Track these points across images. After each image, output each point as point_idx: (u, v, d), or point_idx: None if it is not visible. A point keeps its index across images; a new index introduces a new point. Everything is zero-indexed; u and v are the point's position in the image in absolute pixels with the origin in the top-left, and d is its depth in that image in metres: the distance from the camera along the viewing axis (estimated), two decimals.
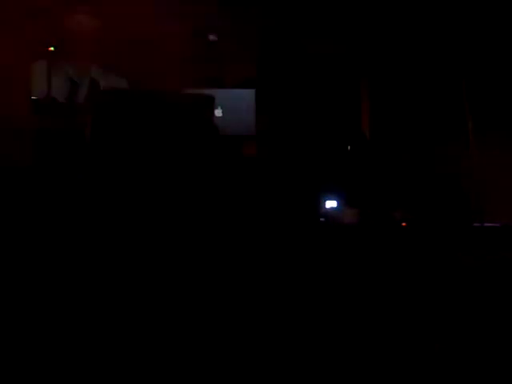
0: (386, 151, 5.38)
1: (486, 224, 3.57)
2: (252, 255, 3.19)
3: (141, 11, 4.84)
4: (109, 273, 3.08)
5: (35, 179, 3.33)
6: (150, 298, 3.07)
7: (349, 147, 4.19)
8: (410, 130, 5.40)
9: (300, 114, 4.14)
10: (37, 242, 3.13)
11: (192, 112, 3.39)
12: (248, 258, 3.19)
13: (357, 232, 3.38)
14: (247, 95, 4.17)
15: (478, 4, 5.16)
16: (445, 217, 3.96)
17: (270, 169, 3.47)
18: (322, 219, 3.51)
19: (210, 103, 3.47)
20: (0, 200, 3.26)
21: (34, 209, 3.23)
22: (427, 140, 5.35)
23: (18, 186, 3.31)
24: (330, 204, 3.57)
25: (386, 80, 5.50)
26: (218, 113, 4.06)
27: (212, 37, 5.22)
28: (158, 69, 4.94)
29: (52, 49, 3.64)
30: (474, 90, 5.22)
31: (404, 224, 3.54)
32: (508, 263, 3.32)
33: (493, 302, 3.22)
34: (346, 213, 3.66)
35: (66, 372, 2.93)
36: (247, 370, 2.99)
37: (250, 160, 3.51)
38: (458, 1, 5.17)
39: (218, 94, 3.87)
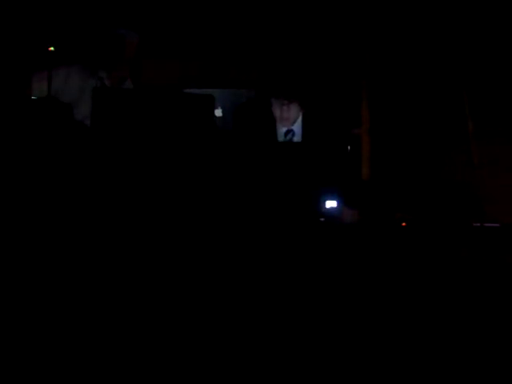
0: (386, 151, 5.37)
1: (486, 224, 3.57)
2: (252, 254, 3.19)
3: None
4: (110, 269, 3.09)
5: (37, 177, 3.33)
6: (150, 293, 3.08)
7: (349, 147, 4.19)
8: (410, 131, 5.40)
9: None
10: (37, 240, 3.14)
11: (192, 112, 3.39)
12: (248, 257, 3.19)
13: (356, 232, 3.38)
14: (247, 95, 4.17)
15: (478, 6, 5.16)
16: (445, 217, 3.97)
17: (269, 168, 3.47)
18: (321, 219, 3.51)
19: (210, 103, 3.47)
20: (1, 199, 3.27)
21: (34, 208, 3.23)
22: (427, 141, 5.35)
23: (19, 185, 3.31)
24: (330, 204, 3.56)
25: (387, 82, 5.50)
26: (218, 113, 4.07)
27: None
28: None
29: (52, 49, 3.64)
30: (474, 91, 5.22)
31: (404, 224, 3.54)
32: (508, 263, 3.32)
33: (493, 301, 3.22)
34: (345, 213, 3.66)
35: (66, 372, 2.93)
36: (247, 370, 2.99)
37: (249, 159, 3.51)
38: (458, 3, 5.17)
39: (218, 94, 3.88)
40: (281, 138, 4.09)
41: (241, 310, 3.09)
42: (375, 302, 3.18)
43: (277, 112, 4.04)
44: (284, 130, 4.08)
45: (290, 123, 4.07)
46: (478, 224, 3.57)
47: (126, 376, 2.94)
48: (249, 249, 3.21)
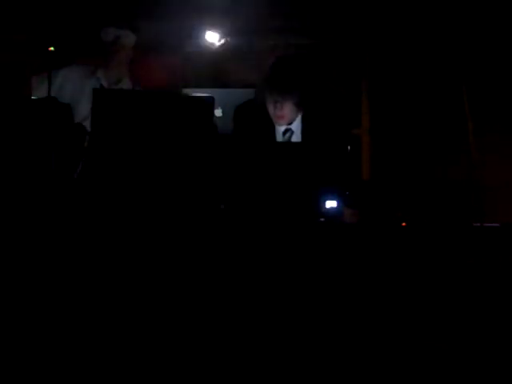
0: (386, 152, 5.38)
1: (486, 224, 3.56)
2: (252, 254, 3.19)
3: None
4: (109, 270, 3.09)
5: (37, 177, 3.33)
6: (150, 295, 3.08)
7: (349, 147, 4.19)
8: (410, 131, 5.41)
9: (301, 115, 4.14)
10: (37, 240, 3.14)
11: (192, 113, 3.39)
12: (248, 257, 3.19)
13: (357, 232, 3.38)
14: (247, 95, 4.17)
15: (478, 6, 5.16)
16: (445, 217, 3.97)
17: (269, 169, 3.47)
18: (321, 219, 3.50)
19: (210, 104, 3.47)
20: (2, 200, 3.27)
21: (34, 209, 3.23)
22: (427, 141, 5.36)
23: (19, 185, 3.31)
24: (330, 204, 3.56)
25: (387, 81, 5.51)
26: (218, 113, 4.06)
27: None
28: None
29: (52, 49, 3.64)
30: (474, 91, 5.22)
31: (404, 224, 3.53)
32: (508, 263, 3.32)
33: (493, 302, 3.22)
34: (346, 213, 3.66)
35: (66, 372, 2.93)
36: (247, 371, 2.99)
37: (249, 159, 3.51)
38: (458, 4, 5.18)
39: (218, 94, 3.87)
40: (279, 137, 4.07)
41: (240, 311, 3.10)
42: (375, 301, 3.18)
43: (270, 109, 4.02)
44: (282, 128, 4.07)
45: (285, 121, 4.05)
46: (478, 224, 3.56)
47: (126, 376, 2.94)
48: (249, 249, 3.21)
